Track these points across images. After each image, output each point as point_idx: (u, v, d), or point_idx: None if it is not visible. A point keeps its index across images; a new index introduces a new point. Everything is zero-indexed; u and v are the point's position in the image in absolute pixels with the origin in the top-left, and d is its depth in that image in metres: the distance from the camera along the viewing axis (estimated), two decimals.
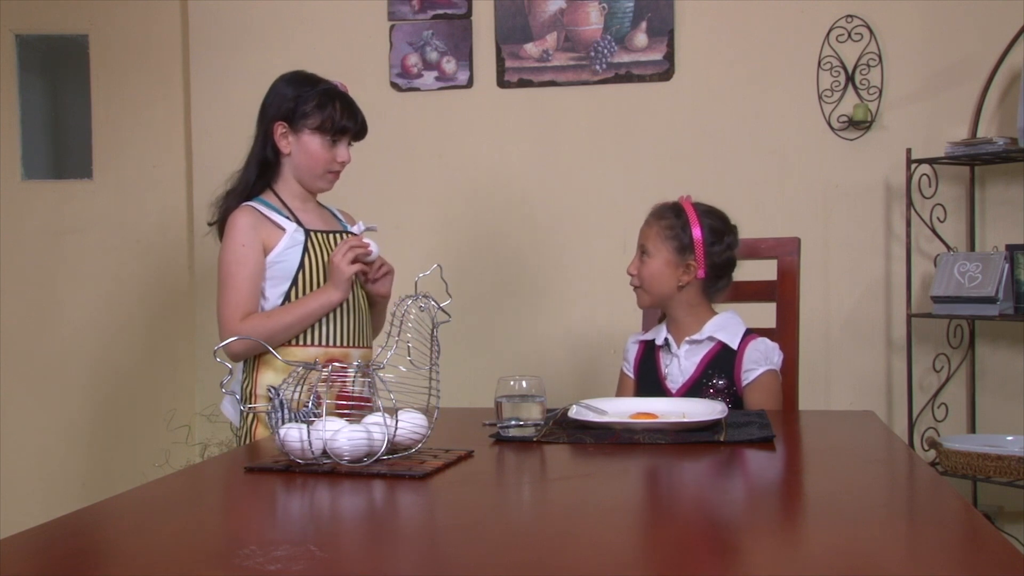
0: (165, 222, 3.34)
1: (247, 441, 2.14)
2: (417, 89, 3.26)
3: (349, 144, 2.19)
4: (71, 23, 3.32)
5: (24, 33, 3.34)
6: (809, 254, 2.74)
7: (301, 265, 2.12)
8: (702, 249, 2.05)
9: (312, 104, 2.13)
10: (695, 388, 2.04)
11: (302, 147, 2.15)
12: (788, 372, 2.15)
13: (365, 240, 2.09)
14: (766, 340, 2.06)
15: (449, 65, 3.24)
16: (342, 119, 2.15)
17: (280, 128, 2.14)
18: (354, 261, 2.07)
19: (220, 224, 2.18)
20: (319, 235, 2.16)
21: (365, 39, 3.27)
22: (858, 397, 3.06)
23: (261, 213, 2.13)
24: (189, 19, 3.35)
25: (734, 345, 2.04)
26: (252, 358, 2.13)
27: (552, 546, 1.03)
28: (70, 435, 3.31)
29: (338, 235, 2.20)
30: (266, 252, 2.12)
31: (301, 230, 2.14)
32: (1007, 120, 2.95)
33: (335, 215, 2.30)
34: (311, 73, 2.20)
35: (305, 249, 2.13)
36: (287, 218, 2.14)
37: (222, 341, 2.07)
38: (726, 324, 2.08)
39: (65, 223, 3.33)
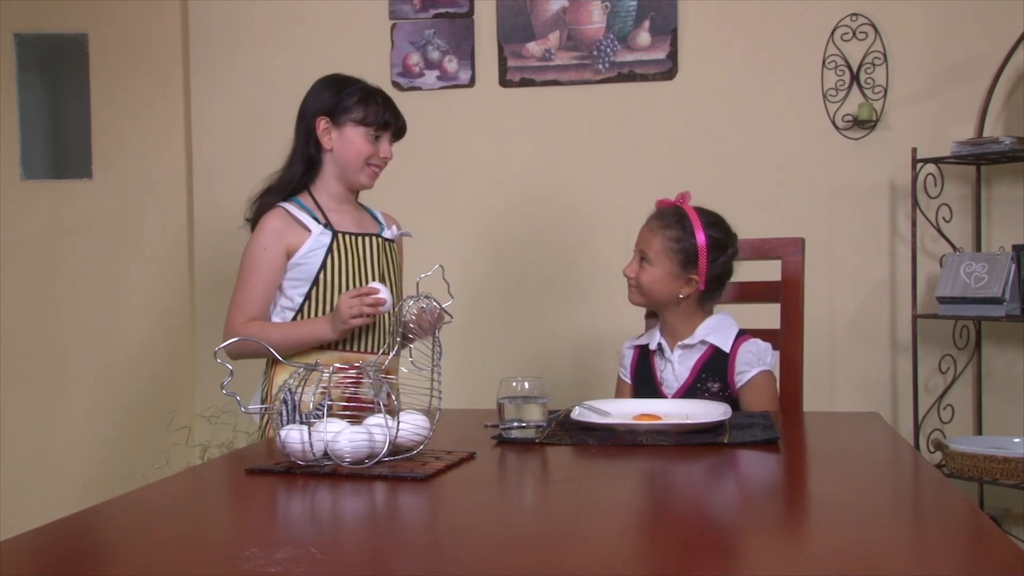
0: (165, 222, 3.33)
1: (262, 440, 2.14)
2: (419, 88, 3.25)
3: (390, 142, 2.21)
4: (71, 23, 3.32)
5: (24, 33, 3.33)
6: (813, 254, 2.72)
7: (323, 266, 2.12)
8: (705, 264, 2.03)
9: (354, 99, 2.16)
10: (690, 393, 2.02)
11: (344, 140, 2.15)
12: (792, 373, 2.14)
13: (381, 296, 2.01)
14: (758, 341, 2.05)
15: (451, 64, 3.23)
16: (384, 114, 2.17)
17: (322, 123, 2.16)
18: (360, 315, 2.01)
19: (254, 222, 2.18)
20: (347, 237, 2.15)
21: (366, 38, 3.27)
22: (863, 398, 3.05)
23: (291, 216, 2.14)
24: (189, 19, 3.35)
25: (726, 348, 2.03)
26: (268, 360, 2.14)
27: (555, 548, 1.03)
28: (70, 436, 3.31)
29: (369, 238, 2.18)
30: (290, 255, 2.12)
31: (328, 232, 2.13)
32: (1013, 119, 2.94)
33: (376, 217, 2.29)
34: (347, 75, 2.21)
35: (329, 251, 2.12)
36: (316, 220, 2.14)
37: (223, 337, 2.08)
38: (718, 327, 2.06)
39: (65, 223, 3.32)
